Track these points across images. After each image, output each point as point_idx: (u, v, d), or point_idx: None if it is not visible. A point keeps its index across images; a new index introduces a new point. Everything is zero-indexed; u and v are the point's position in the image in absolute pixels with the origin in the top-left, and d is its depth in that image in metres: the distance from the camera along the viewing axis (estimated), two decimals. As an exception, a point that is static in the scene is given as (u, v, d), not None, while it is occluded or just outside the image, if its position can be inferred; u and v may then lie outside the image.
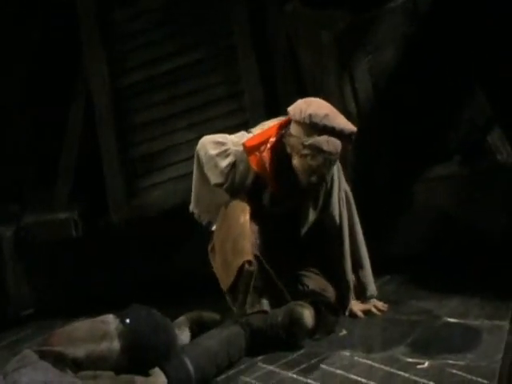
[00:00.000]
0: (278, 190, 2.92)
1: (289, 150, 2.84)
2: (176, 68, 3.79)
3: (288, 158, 2.84)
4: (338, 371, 2.62)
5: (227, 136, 3.01)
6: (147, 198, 3.79)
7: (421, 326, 2.88)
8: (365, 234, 3.12)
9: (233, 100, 3.73)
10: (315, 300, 2.93)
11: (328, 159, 2.80)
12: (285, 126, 2.90)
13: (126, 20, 3.86)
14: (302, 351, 2.81)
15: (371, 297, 3.09)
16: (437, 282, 3.25)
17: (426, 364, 2.57)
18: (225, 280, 2.89)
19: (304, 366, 2.70)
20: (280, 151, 2.86)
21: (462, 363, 2.54)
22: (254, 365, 2.75)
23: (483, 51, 3.49)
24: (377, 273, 3.20)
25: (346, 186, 3.08)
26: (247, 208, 2.92)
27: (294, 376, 2.64)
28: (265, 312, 2.87)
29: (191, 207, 3.16)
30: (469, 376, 2.45)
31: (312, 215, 3.01)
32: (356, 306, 3.07)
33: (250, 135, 2.97)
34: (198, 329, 2.87)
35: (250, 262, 2.82)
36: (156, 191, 3.80)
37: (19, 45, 3.99)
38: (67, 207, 3.84)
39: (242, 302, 2.84)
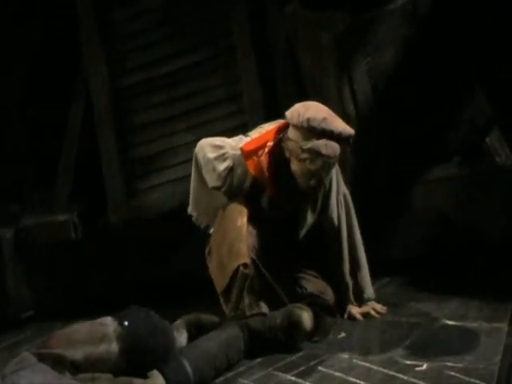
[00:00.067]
0: (276, 193, 2.92)
1: (287, 154, 2.84)
2: (175, 70, 3.79)
3: (286, 162, 2.85)
4: (337, 374, 2.62)
5: (225, 139, 3.01)
6: (146, 200, 3.80)
7: (419, 329, 2.88)
8: (364, 235, 3.12)
9: (232, 102, 3.73)
10: (312, 302, 2.93)
11: (327, 163, 2.80)
12: (282, 130, 2.90)
13: (126, 20, 3.86)
14: (300, 353, 2.81)
15: (368, 300, 3.09)
16: (436, 284, 3.25)
17: (425, 366, 2.57)
18: (219, 282, 2.90)
19: (303, 368, 2.70)
20: (278, 155, 2.87)
21: (460, 365, 2.53)
22: (252, 367, 2.75)
23: (483, 52, 3.48)
24: (376, 275, 3.21)
25: (344, 189, 3.08)
26: (245, 211, 2.93)
27: (293, 378, 2.64)
28: (263, 314, 2.88)
29: (189, 209, 3.16)
30: (467, 378, 2.45)
31: (310, 218, 3.01)
32: (355, 309, 3.07)
33: (248, 139, 2.97)
34: (197, 331, 2.87)
35: (245, 265, 2.82)
36: (155, 193, 3.80)
37: (19, 45, 3.99)
38: (66, 208, 3.85)
39: (235, 305, 2.85)
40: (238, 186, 2.97)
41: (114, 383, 2.45)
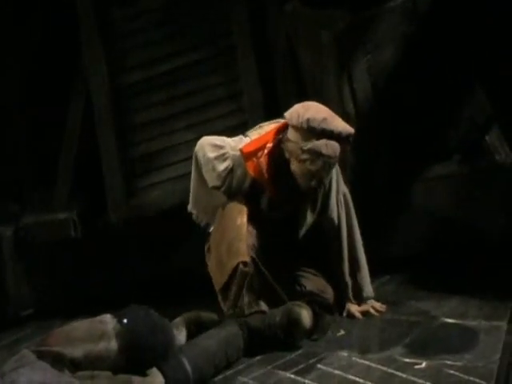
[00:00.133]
0: (276, 194, 2.92)
1: (287, 155, 2.84)
2: (175, 68, 3.78)
3: (286, 162, 2.85)
4: (336, 371, 2.62)
5: (225, 139, 3.01)
6: (146, 198, 3.80)
7: (419, 327, 2.88)
8: (364, 234, 3.12)
9: (232, 101, 3.72)
10: (312, 300, 2.93)
11: (327, 163, 2.80)
12: (282, 130, 2.90)
13: (126, 20, 3.86)
14: (299, 351, 2.81)
15: (368, 298, 3.09)
16: (435, 283, 3.25)
17: (424, 364, 2.57)
18: (218, 280, 2.90)
19: (302, 366, 2.70)
20: (278, 156, 2.87)
21: (459, 364, 2.53)
22: (251, 365, 2.76)
23: (483, 50, 3.48)
24: (376, 273, 3.21)
25: (344, 189, 3.08)
26: (244, 210, 2.93)
27: (292, 376, 2.64)
28: (263, 312, 2.88)
29: (189, 207, 3.16)
30: (466, 377, 2.45)
31: (310, 218, 3.02)
32: (354, 307, 3.07)
33: (247, 139, 2.97)
34: (196, 329, 2.87)
35: (245, 263, 2.82)
36: (155, 191, 3.80)
37: (19, 45, 3.99)
38: (66, 207, 3.85)
39: (233, 302, 2.85)
40: (237, 187, 2.97)
41: (114, 381, 2.44)
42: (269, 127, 3.02)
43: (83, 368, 2.42)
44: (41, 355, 2.39)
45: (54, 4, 3.95)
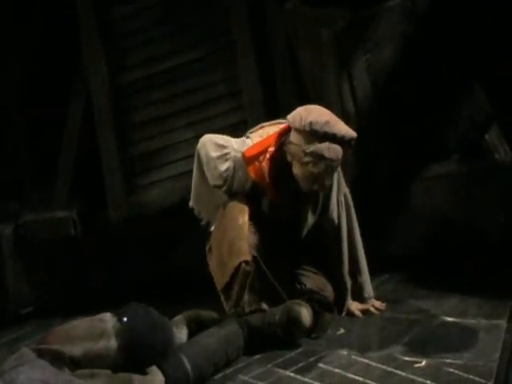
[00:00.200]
0: (277, 198, 2.92)
1: (289, 158, 2.84)
2: (175, 66, 3.79)
3: (288, 166, 2.84)
4: (336, 370, 2.62)
5: (229, 139, 3.00)
6: (146, 197, 3.80)
7: (418, 325, 2.88)
8: (363, 233, 3.12)
9: (231, 99, 3.73)
10: (310, 298, 2.93)
11: (330, 166, 2.80)
12: (284, 134, 2.89)
13: (126, 19, 3.87)
14: (299, 350, 2.81)
15: (368, 298, 3.09)
16: (435, 281, 3.25)
17: (424, 363, 2.57)
18: (220, 279, 2.90)
19: (302, 364, 2.70)
20: (280, 160, 2.86)
21: (459, 362, 2.53)
22: (251, 363, 2.75)
23: (482, 49, 3.49)
24: (375, 272, 3.21)
25: (345, 189, 3.08)
26: (245, 209, 2.92)
27: (292, 375, 2.64)
28: (263, 310, 2.88)
29: (191, 203, 3.16)
30: (466, 375, 2.45)
31: (311, 218, 3.01)
32: (354, 305, 3.07)
33: (249, 141, 2.97)
34: (196, 327, 2.86)
35: (247, 262, 2.81)
36: (155, 189, 3.81)
37: (19, 45, 4.00)
38: (66, 206, 3.86)
39: (235, 302, 2.85)
40: (238, 187, 2.97)
41: (113, 379, 2.44)
42: (270, 128, 3.01)
43: (83, 366, 2.42)
44: (40, 353, 2.39)
45: (54, 4, 3.96)
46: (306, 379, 2.59)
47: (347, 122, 2.93)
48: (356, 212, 3.12)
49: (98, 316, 2.54)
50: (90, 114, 3.91)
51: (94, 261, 3.77)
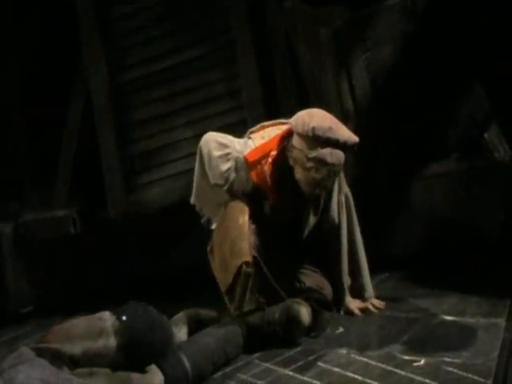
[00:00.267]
0: (279, 201, 2.93)
1: (291, 162, 2.84)
2: (175, 65, 3.79)
3: (290, 170, 2.84)
4: (335, 369, 2.62)
5: (232, 139, 3.00)
6: (146, 195, 3.81)
7: (418, 324, 2.88)
8: (363, 232, 3.11)
9: (231, 97, 3.73)
10: (310, 297, 2.93)
11: (332, 171, 2.80)
12: (286, 137, 2.89)
13: (126, 18, 3.87)
14: (298, 348, 2.81)
15: (369, 298, 3.09)
16: (434, 280, 3.24)
17: (423, 362, 2.57)
18: (223, 281, 2.90)
19: (301, 363, 2.70)
20: (282, 164, 2.86)
21: (458, 361, 2.53)
22: (250, 362, 2.75)
23: (481, 47, 3.48)
24: (375, 270, 3.21)
25: (346, 189, 3.08)
26: (246, 209, 2.92)
27: (291, 373, 2.64)
28: (262, 309, 2.88)
29: (192, 200, 3.15)
30: (465, 374, 2.44)
31: (313, 219, 3.01)
32: (353, 304, 3.07)
33: (251, 142, 2.96)
34: (196, 326, 2.87)
35: (247, 263, 2.81)
36: (154, 188, 3.81)
37: (19, 45, 4.00)
38: (66, 205, 3.86)
39: (239, 303, 2.84)
40: (239, 188, 2.97)
41: (112, 378, 2.44)
42: (271, 129, 3.01)
43: (82, 365, 2.42)
44: (40, 352, 2.39)
45: (54, 4, 3.97)
46: (305, 378, 2.59)
47: (346, 120, 2.95)
48: (356, 212, 3.11)
49: (97, 315, 2.55)
50: (89, 114, 3.91)
51: (94, 260, 3.78)
